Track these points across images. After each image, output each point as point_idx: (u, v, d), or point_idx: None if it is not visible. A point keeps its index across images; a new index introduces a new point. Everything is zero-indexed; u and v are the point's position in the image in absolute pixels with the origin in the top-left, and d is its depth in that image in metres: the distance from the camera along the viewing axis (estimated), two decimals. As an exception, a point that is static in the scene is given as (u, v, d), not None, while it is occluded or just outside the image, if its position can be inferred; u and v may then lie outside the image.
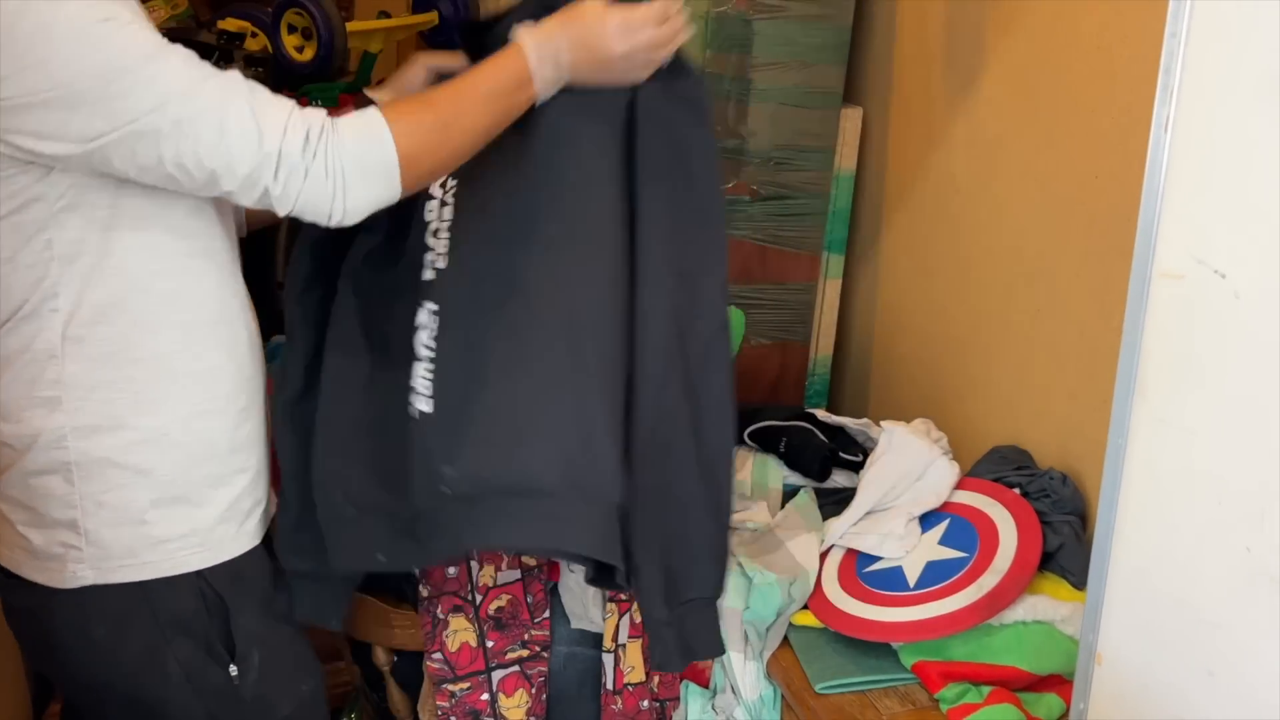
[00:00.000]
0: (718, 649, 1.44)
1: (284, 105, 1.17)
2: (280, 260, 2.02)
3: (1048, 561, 1.59)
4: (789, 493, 1.84)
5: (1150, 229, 1.02)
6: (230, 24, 2.45)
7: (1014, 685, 1.47)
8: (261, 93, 1.16)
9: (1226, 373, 0.97)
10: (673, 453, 1.35)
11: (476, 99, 1.27)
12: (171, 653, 1.29)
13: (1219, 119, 0.97)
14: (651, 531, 1.34)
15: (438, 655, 1.53)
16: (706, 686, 1.66)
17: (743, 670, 1.58)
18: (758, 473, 1.86)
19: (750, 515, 1.76)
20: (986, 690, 1.46)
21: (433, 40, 2.69)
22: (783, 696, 1.57)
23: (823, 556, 1.68)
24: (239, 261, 1.34)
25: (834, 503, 1.78)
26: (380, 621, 1.59)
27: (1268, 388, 0.93)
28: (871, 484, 1.73)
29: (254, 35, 2.46)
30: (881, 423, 1.80)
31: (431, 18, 2.54)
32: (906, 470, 1.72)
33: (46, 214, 1.16)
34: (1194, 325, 1.00)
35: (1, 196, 1.14)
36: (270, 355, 1.84)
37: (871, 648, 1.55)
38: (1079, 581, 1.55)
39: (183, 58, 1.15)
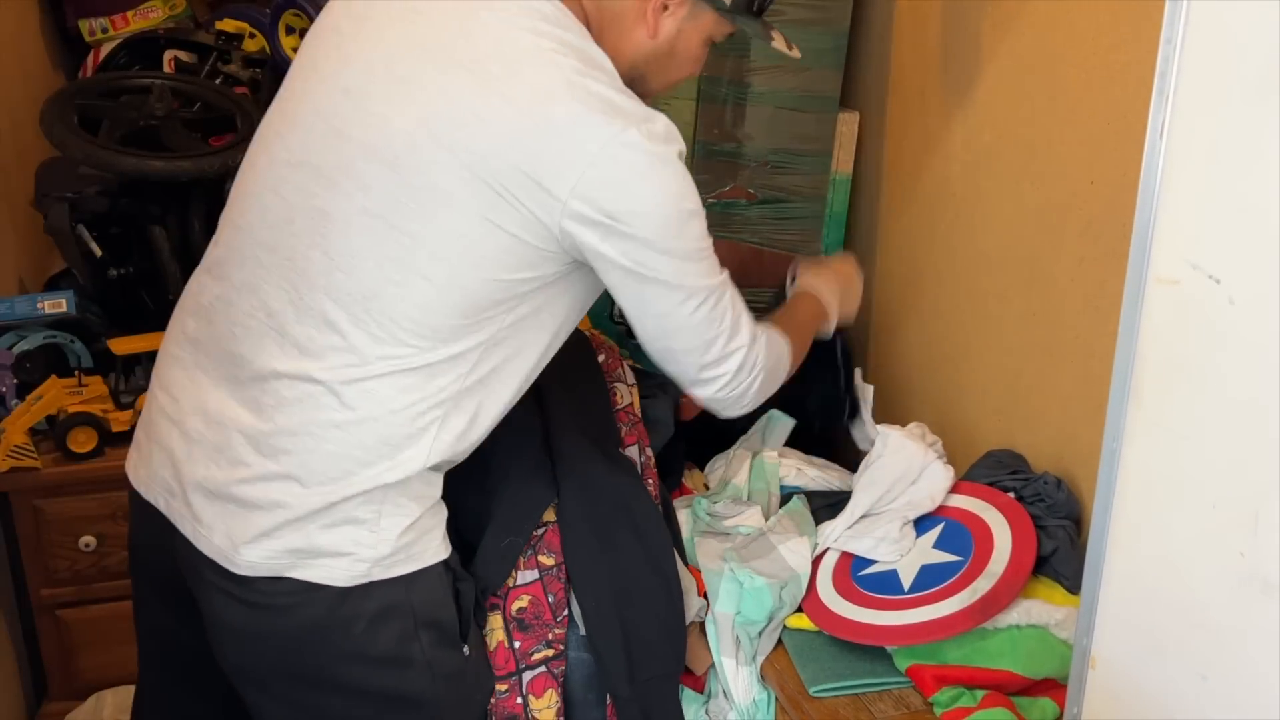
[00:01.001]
0: (677, 718, 1.62)
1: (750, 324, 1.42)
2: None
3: (1042, 566, 1.59)
4: (784, 497, 1.85)
5: (1145, 234, 1.03)
6: (228, 24, 2.45)
7: (1008, 689, 1.47)
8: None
9: (1221, 378, 0.98)
10: (621, 554, 1.56)
11: (804, 334, 1.63)
12: (419, 641, 1.32)
13: (1214, 125, 0.97)
14: (612, 622, 1.54)
15: None
16: (701, 692, 1.66)
17: (735, 675, 1.58)
18: (754, 476, 1.86)
19: (743, 519, 1.76)
20: (980, 694, 1.46)
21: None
22: (777, 700, 1.57)
23: (817, 560, 1.68)
24: None
25: (828, 506, 1.78)
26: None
27: (1262, 393, 0.93)
28: (867, 487, 1.73)
29: (252, 36, 2.46)
30: (877, 426, 1.80)
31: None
32: (902, 474, 1.72)
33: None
34: (1189, 330, 1.00)
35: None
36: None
37: (866, 651, 1.55)
38: (1073, 586, 1.55)
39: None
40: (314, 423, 1.25)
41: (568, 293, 1.34)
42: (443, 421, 1.28)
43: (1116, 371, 1.07)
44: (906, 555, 1.64)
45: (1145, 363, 1.04)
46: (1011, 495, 1.67)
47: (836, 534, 1.70)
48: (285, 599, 1.27)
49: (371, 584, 1.28)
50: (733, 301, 1.38)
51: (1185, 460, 1.01)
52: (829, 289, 1.73)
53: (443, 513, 1.37)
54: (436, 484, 1.35)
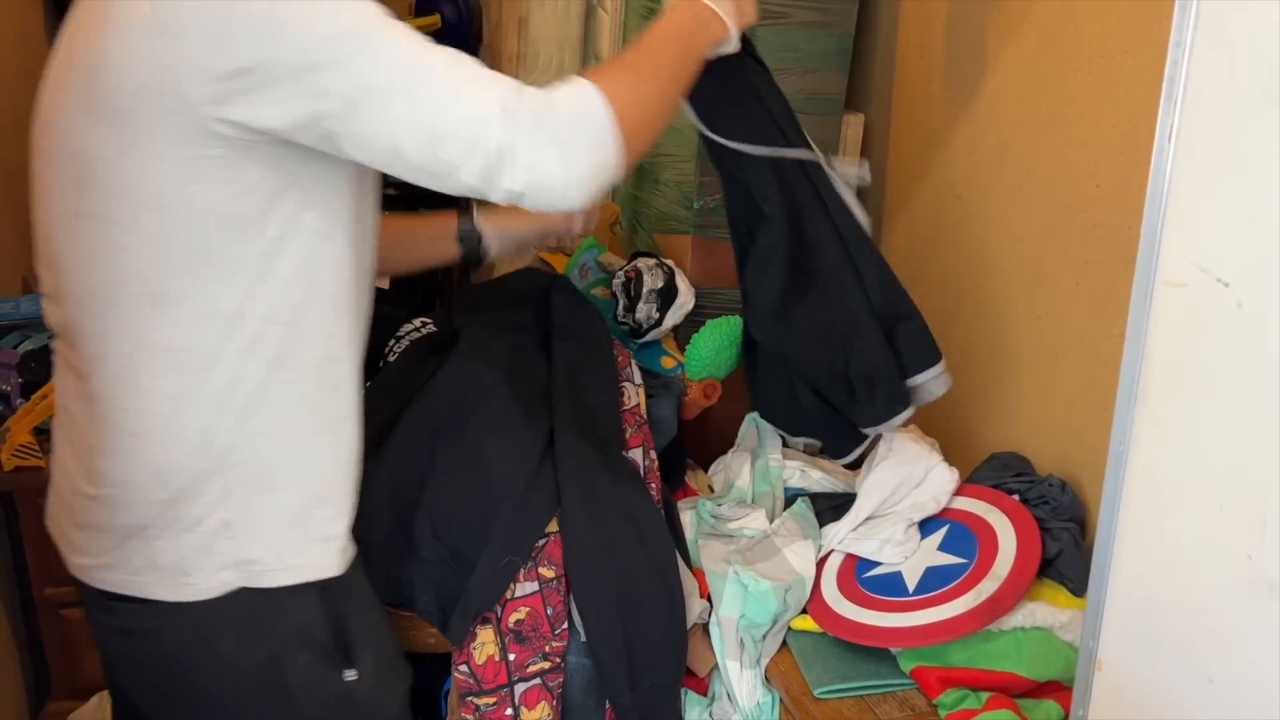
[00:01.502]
0: None
1: (506, 78, 1.14)
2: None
3: (1047, 568, 1.59)
4: (788, 499, 1.85)
5: (1154, 237, 1.03)
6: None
7: (1012, 691, 1.47)
8: (482, 66, 1.14)
9: (1228, 381, 0.98)
10: (625, 562, 1.55)
11: (668, 49, 1.25)
12: (291, 661, 1.27)
13: (1223, 128, 0.97)
14: (615, 631, 1.53)
15: (464, 667, 1.53)
16: (705, 694, 1.66)
17: (739, 678, 1.58)
18: (759, 478, 1.86)
19: (747, 522, 1.76)
20: (985, 696, 1.46)
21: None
22: (781, 701, 1.57)
23: (822, 561, 1.68)
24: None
25: (833, 508, 1.78)
26: (380, 622, 1.59)
27: (1269, 396, 0.93)
28: (871, 490, 1.73)
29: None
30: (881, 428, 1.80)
31: (434, 21, 2.55)
32: (906, 476, 1.72)
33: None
34: (1196, 333, 1.00)
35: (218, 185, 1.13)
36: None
37: (870, 653, 1.55)
38: (1078, 588, 1.55)
39: (406, 28, 1.13)
40: None
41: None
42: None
43: (1124, 374, 1.07)
44: (911, 557, 1.64)
45: (1153, 365, 1.04)
46: (1016, 498, 1.67)
47: (841, 536, 1.70)
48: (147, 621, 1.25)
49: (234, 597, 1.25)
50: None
51: (1192, 463, 1.02)
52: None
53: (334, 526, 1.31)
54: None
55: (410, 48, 1.11)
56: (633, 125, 1.17)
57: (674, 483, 1.87)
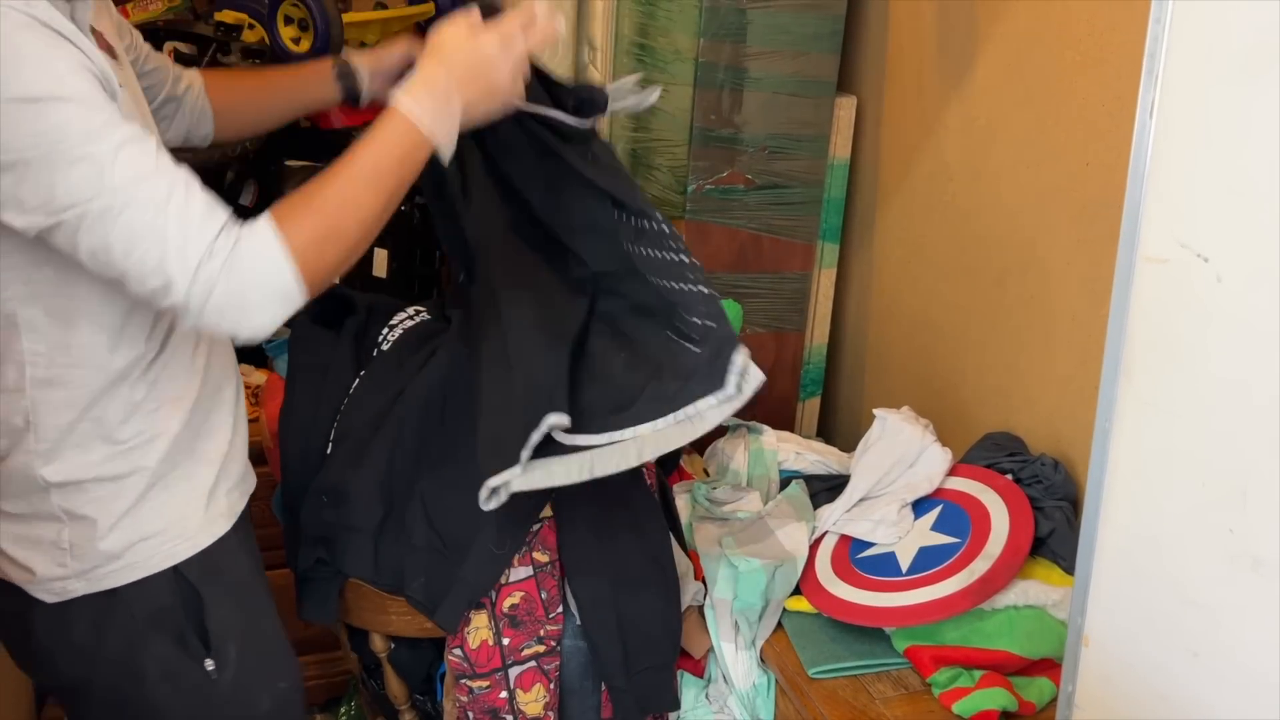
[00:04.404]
0: (672, 705, 1.62)
1: (216, 220, 1.11)
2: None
3: (1039, 547, 1.60)
4: (783, 482, 1.86)
5: (1135, 213, 1.03)
6: (227, 15, 2.45)
7: (1006, 669, 1.48)
8: (196, 202, 1.10)
9: (1210, 356, 0.98)
10: (619, 547, 1.56)
11: (369, 184, 1.19)
12: (147, 650, 1.28)
13: (1203, 104, 0.97)
14: (609, 615, 1.55)
15: (458, 651, 1.54)
16: (701, 676, 1.67)
17: (735, 660, 1.59)
18: (754, 462, 1.87)
19: (742, 505, 1.77)
20: (978, 674, 1.47)
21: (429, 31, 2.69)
22: (777, 682, 1.58)
23: (816, 542, 1.69)
24: None
25: (827, 489, 1.79)
26: (377, 608, 1.60)
27: (1250, 370, 0.94)
28: (865, 471, 1.74)
29: (251, 27, 2.46)
30: (875, 410, 1.80)
31: (428, 9, 2.55)
32: (900, 457, 1.73)
33: None
34: (1178, 309, 1.00)
35: None
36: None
37: (865, 633, 1.56)
38: (1070, 566, 1.55)
39: (128, 143, 1.08)
40: None
41: None
42: None
43: (1108, 351, 1.07)
44: (905, 537, 1.65)
45: (1135, 341, 1.05)
46: (1009, 477, 1.68)
47: (835, 517, 1.70)
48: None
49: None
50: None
51: (1175, 438, 1.02)
52: (423, 89, 1.23)
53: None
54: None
55: (133, 163, 1.07)
56: (315, 265, 1.15)
57: (669, 467, 1.88)
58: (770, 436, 1.90)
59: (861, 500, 1.72)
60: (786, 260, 2.14)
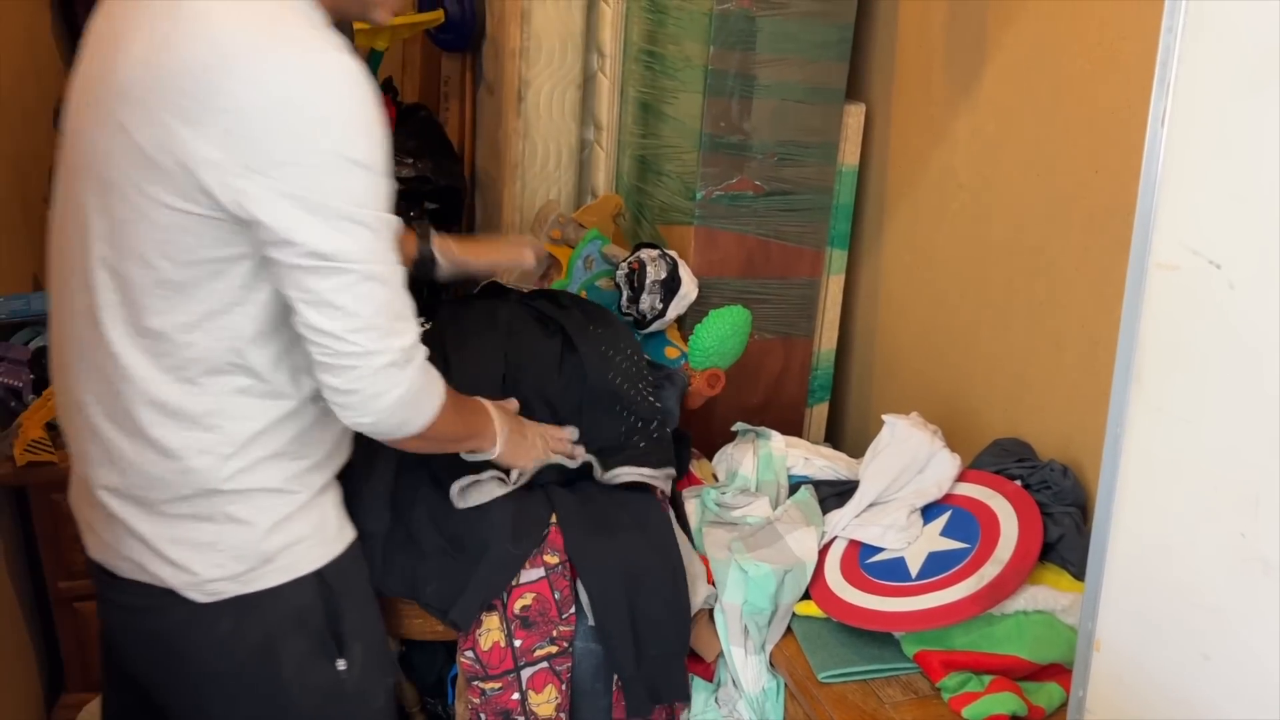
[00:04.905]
0: (683, 694, 1.62)
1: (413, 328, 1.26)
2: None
3: (1049, 552, 1.60)
4: (792, 487, 1.86)
5: (1147, 221, 1.04)
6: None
7: (1015, 674, 1.48)
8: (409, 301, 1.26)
9: (1221, 362, 0.99)
10: (624, 541, 1.60)
11: (469, 432, 1.47)
12: (285, 649, 1.33)
13: (1215, 113, 0.98)
14: (619, 605, 1.56)
15: (470, 653, 1.55)
16: (711, 680, 1.68)
17: (744, 664, 1.60)
18: (763, 467, 1.87)
19: (751, 510, 1.78)
20: (988, 679, 1.47)
21: (438, 38, 2.71)
22: (786, 686, 1.58)
23: (826, 547, 1.70)
24: None
25: (836, 494, 1.79)
26: (389, 611, 1.60)
27: (1261, 376, 0.94)
28: (874, 476, 1.74)
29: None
30: (884, 415, 1.81)
31: (437, 16, 2.56)
32: (909, 462, 1.73)
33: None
34: (1189, 315, 1.01)
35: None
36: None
37: (874, 637, 1.57)
38: (1080, 572, 1.56)
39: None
40: None
41: None
42: None
43: (1119, 356, 1.08)
44: (914, 543, 1.65)
45: (1146, 347, 1.05)
46: (1018, 483, 1.68)
47: (844, 522, 1.71)
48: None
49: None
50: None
51: (1186, 443, 1.03)
52: (504, 423, 1.55)
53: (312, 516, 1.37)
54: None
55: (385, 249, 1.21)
56: (431, 426, 1.32)
57: (679, 473, 1.89)
58: (779, 442, 1.90)
59: (871, 505, 1.72)
60: (795, 266, 2.15)
